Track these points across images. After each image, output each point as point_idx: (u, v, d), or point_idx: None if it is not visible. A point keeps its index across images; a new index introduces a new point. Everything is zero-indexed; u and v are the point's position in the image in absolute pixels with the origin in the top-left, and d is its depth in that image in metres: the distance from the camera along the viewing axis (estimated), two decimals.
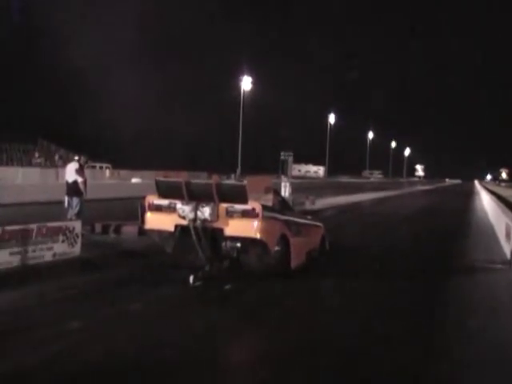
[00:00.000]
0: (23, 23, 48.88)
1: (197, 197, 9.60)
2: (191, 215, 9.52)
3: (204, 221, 9.49)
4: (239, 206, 9.47)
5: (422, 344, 7.09)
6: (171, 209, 9.83)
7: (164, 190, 9.99)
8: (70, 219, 12.59)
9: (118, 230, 14.24)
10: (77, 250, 11.35)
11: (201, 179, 11.04)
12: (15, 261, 10.02)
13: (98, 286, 9.34)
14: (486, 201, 41.32)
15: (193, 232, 9.52)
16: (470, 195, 60.77)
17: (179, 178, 10.04)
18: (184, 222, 9.65)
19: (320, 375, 5.98)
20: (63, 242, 11.05)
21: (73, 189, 13.39)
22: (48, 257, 10.69)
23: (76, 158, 14.34)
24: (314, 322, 7.95)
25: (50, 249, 10.71)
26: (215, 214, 9.48)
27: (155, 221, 10.15)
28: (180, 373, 5.86)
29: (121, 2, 60.80)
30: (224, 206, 9.53)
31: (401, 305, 9.15)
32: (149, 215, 10.20)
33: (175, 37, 75.80)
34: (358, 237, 17.69)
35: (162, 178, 10.10)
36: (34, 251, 10.39)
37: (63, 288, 8.95)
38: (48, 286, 9.04)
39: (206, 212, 9.45)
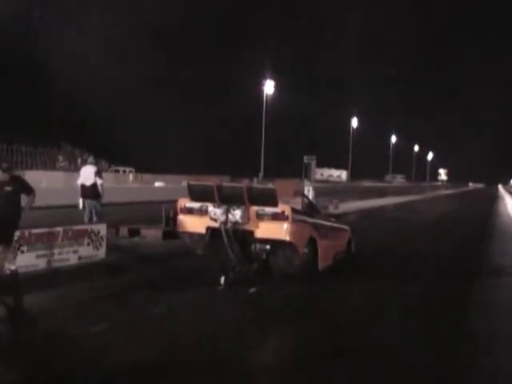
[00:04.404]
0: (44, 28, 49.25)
1: (228, 200, 9.71)
2: (222, 218, 9.62)
3: (235, 223, 9.60)
4: (269, 209, 9.56)
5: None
6: (203, 211, 9.98)
7: (196, 194, 10.15)
8: (88, 222, 12.59)
9: (142, 234, 14.20)
10: (102, 253, 11.34)
11: (231, 183, 11.10)
12: (41, 263, 10.03)
13: (123, 288, 9.24)
14: (510, 205, 40.85)
15: (224, 234, 9.61)
16: (493, 200, 59.93)
17: (210, 181, 10.15)
18: (215, 225, 9.76)
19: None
20: (88, 245, 11.06)
21: (91, 192, 13.30)
22: (73, 260, 10.70)
23: (92, 160, 14.39)
24: (339, 326, 7.73)
25: (75, 252, 10.72)
26: (246, 216, 9.57)
27: (187, 223, 10.29)
28: (202, 375, 5.71)
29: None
30: (254, 208, 9.63)
31: (422, 310, 8.89)
32: (181, 218, 10.36)
33: (197, 38, 76.19)
34: (382, 240, 17.49)
35: (194, 182, 10.29)
36: (59, 254, 10.40)
37: (88, 290, 8.89)
38: (73, 289, 8.99)
39: (237, 215, 9.55)
